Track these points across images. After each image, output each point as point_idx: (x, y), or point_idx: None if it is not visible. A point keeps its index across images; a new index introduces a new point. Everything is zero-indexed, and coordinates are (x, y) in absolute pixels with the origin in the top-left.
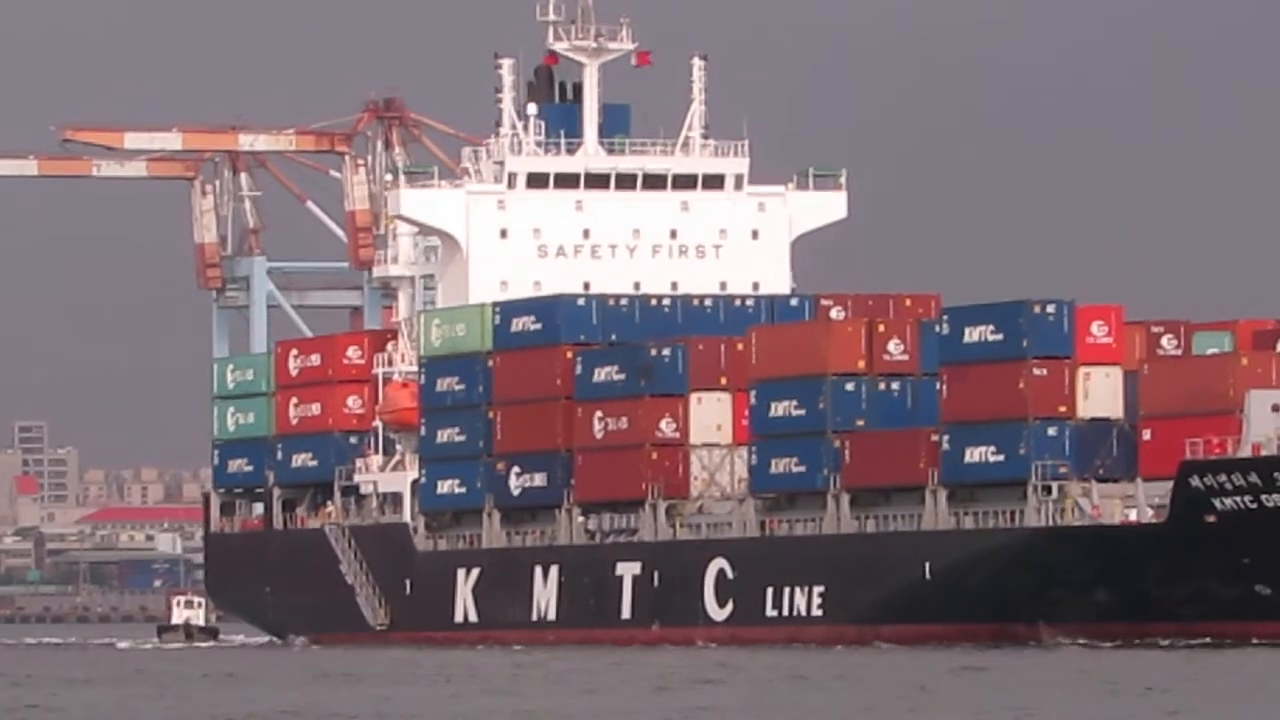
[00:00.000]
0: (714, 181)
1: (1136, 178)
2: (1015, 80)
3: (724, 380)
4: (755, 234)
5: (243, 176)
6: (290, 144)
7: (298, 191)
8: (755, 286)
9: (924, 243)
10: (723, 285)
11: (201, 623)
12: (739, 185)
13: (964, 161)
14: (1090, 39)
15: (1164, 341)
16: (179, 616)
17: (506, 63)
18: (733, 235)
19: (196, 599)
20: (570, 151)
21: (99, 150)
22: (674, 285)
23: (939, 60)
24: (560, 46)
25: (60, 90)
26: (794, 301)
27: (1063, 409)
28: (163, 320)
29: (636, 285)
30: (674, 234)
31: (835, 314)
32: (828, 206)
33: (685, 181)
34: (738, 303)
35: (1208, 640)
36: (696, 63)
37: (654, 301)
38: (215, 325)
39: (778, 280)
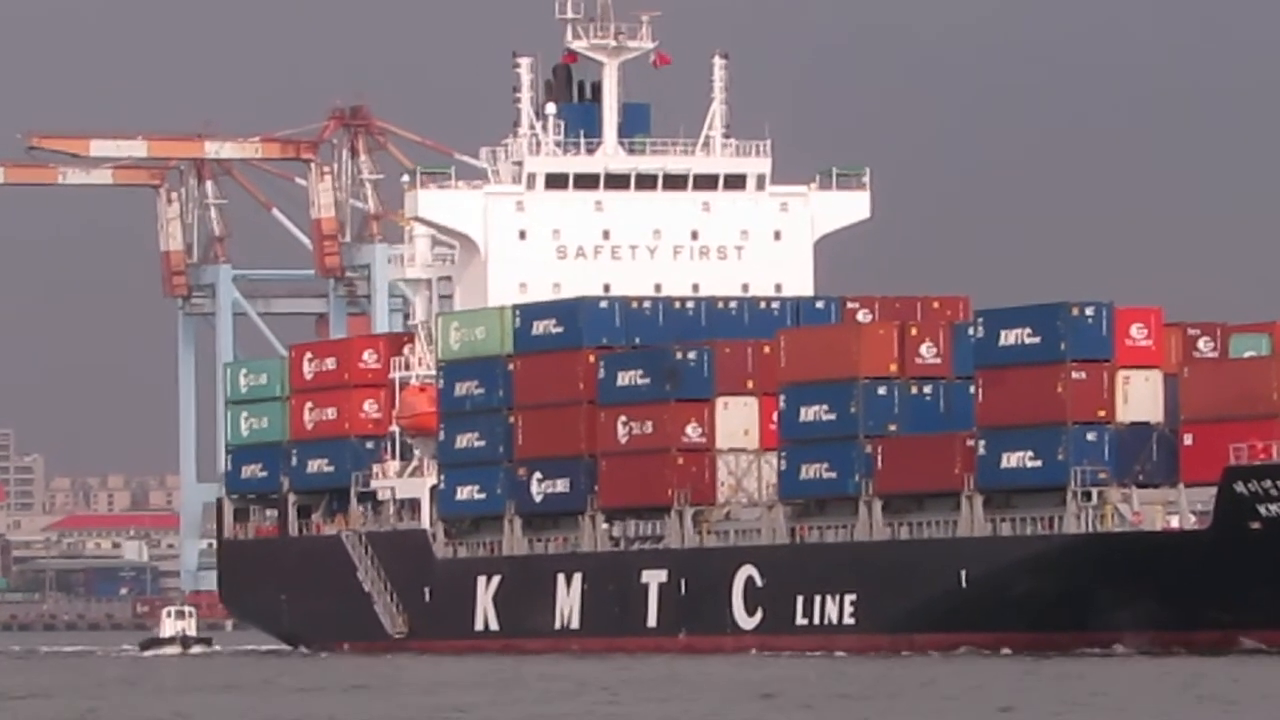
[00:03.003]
0: (735, 181)
1: (1164, 176)
2: (1042, 79)
3: (751, 384)
4: (777, 235)
5: (208, 184)
6: (256, 151)
7: (263, 199)
8: (778, 288)
9: (948, 244)
10: (744, 287)
11: (194, 633)
12: (761, 185)
13: (989, 162)
14: (1123, 36)
15: (1200, 344)
16: (172, 628)
17: (524, 61)
18: (755, 236)
19: (188, 609)
20: (590, 151)
21: (65, 158)
22: (695, 287)
23: (964, 59)
24: (579, 45)
25: (26, 98)
26: (819, 304)
27: (1102, 413)
28: (128, 328)
29: (657, 287)
30: (695, 235)
31: (862, 316)
32: (851, 206)
33: (706, 182)
34: (762, 305)
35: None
36: (717, 61)
37: (678, 304)
38: (181, 332)
39: (800, 282)
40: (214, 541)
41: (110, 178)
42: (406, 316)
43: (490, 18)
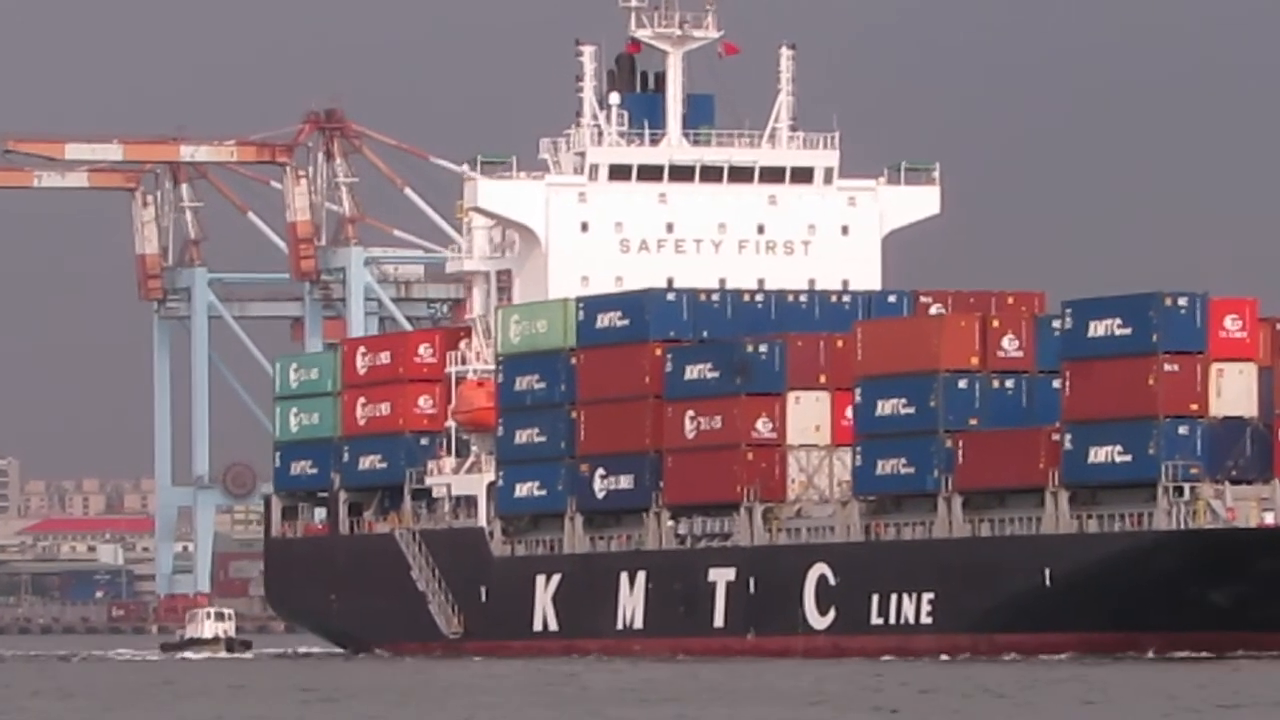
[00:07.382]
0: (802, 175)
1: (1217, 171)
2: (1110, 73)
3: (823, 378)
4: (845, 229)
5: (184, 187)
6: (231, 155)
7: (239, 202)
8: (844, 284)
9: (1018, 240)
10: (811, 282)
11: (234, 635)
12: (828, 179)
13: (1059, 157)
14: (1196, 25)
15: None
16: (210, 630)
17: (588, 50)
18: (822, 230)
19: (226, 610)
20: (653, 142)
21: (40, 161)
22: (760, 282)
23: (1029, 53)
24: (643, 34)
25: (1, 101)
26: (892, 298)
27: (1194, 407)
28: (103, 331)
29: (722, 281)
30: (761, 229)
31: (935, 311)
32: (920, 202)
33: (773, 174)
34: (833, 299)
35: None
36: (784, 52)
37: (746, 297)
38: (156, 336)
39: (868, 277)
40: (189, 544)
41: (85, 181)
42: (382, 320)
43: (550, 10)
